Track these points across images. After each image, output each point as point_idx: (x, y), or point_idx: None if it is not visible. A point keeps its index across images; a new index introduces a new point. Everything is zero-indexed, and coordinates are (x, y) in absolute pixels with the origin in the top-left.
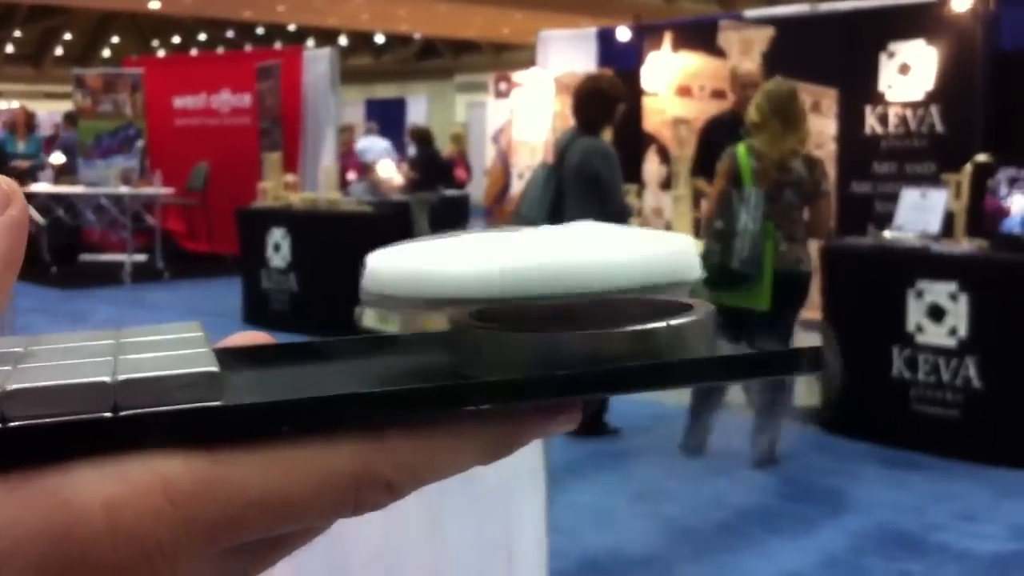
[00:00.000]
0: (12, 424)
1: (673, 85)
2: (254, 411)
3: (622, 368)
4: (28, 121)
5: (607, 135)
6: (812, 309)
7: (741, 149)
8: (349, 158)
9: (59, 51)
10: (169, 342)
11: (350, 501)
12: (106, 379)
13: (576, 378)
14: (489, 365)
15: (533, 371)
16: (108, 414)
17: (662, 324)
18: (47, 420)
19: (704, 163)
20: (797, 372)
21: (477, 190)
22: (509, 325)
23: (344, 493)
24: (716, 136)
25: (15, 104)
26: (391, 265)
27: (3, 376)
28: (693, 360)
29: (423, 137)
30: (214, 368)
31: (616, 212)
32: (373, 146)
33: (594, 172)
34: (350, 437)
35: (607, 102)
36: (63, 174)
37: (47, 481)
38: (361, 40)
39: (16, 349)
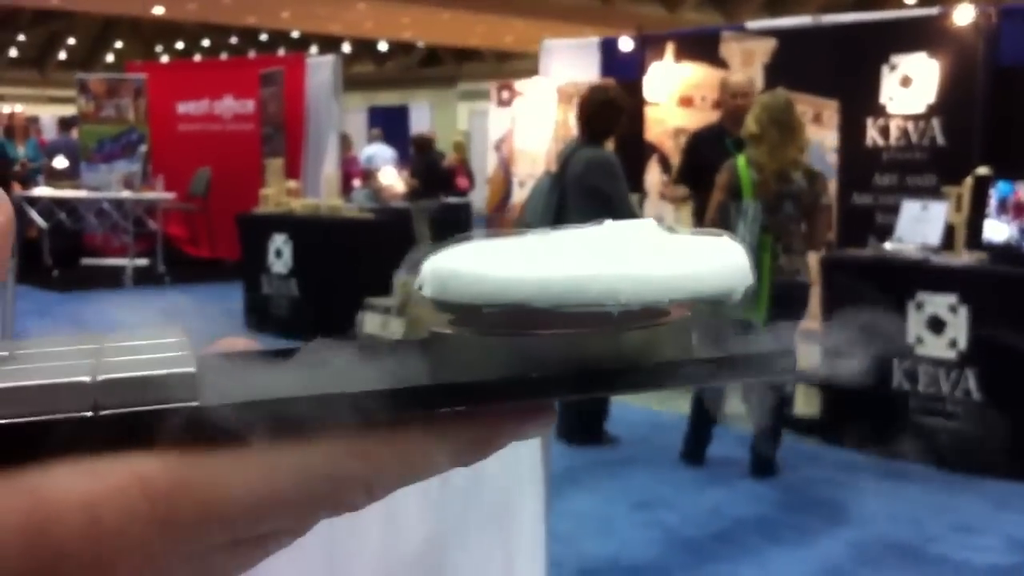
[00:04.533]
0: None
1: (675, 95)
2: (230, 411)
3: (594, 371)
4: (26, 125)
5: (609, 145)
6: (812, 320)
7: (741, 161)
8: (351, 165)
9: (63, 55)
10: (150, 346)
11: (328, 501)
12: (86, 379)
13: (547, 380)
14: (465, 368)
15: (506, 373)
16: (88, 413)
17: (636, 328)
18: (27, 419)
19: (687, 175)
20: (770, 375)
21: (479, 198)
22: (484, 329)
23: (321, 493)
24: (702, 148)
25: (19, 108)
26: (449, 268)
27: None
28: (665, 363)
29: (424, 145)
30: (191, 369)
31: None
32: (380, 153)
33: (594, 184)
34: (326, 438)
35: (615, 113)
36: (63, 178)
37: (27, 479)
38: (364, 47)
39: (1, 353)
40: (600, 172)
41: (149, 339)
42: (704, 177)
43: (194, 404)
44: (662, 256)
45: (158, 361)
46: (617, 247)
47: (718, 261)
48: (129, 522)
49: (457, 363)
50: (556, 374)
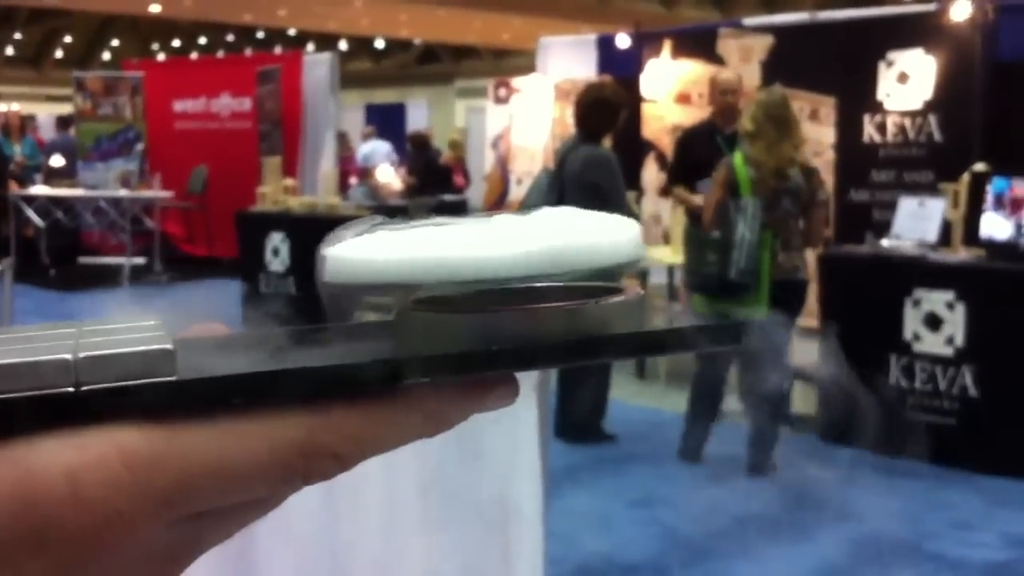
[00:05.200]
0: None
1: (672, 92)
2: (205, 384)
3: (551, 343)
4: (22, 124)
5: (607, 142)
6: (810, 317)
7: (738, 159)
8: (348, 163)
9: (59, 54)
10: (127, 328)
11: (299, 470)
12: (67, 356)
13: (506, 352)
14: (428, 345)
15: (466, 348)
16: (70, 389)
17: (589, 302)
18: (12, 395)
19: (681, 173)
20: (718, 345)
21: (476, 195)
22: (446, 308)
23: (292, 462)
24: (693, 145)
25: (15, 106)
26: (338, 255)
27: None
28: (617, 335)
29: (422, 142)
30: (168, 345)
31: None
32: (377, 150)
33: (593, 181)
34: (296, 410)
35: (611, 110)
36: (60, 177)
37: (13, 452)
38: (361, 45)
39: None
40: (598, 169)
41: (125, 323)
42: (697, 174)
43: (172, 379)
44: (554, 234)
45: (136, 340)
46: (521, 227)
47: (606, 236)
48: (111, 491)
49: (421, 339)
50: (515, 347)
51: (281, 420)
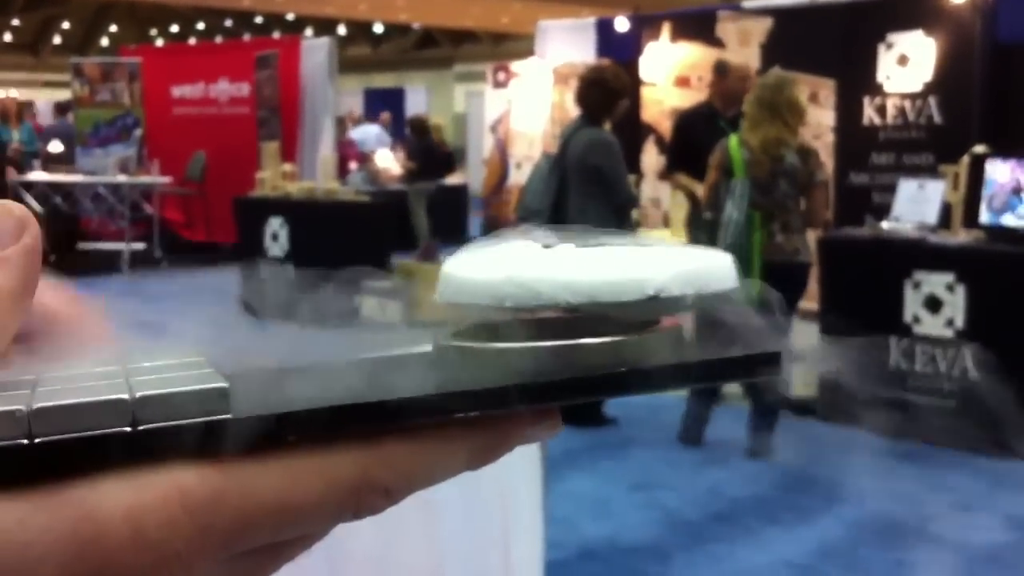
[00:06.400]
0: (39, 440)
1: (671, 76)
2: (261, 422)
3: (594, 376)
4: (20, 110)
5: (607, 126)
6: (809, 299)
7: (733, 141)
8: (347, 148)
9: (57, 40)
10: (176, 365)
11: (351, 506)
12: (125, 396)
13: (551, 385)
14: (474, 377)
15: (513, 381)
16: (128, 428)
17: (631, 336)
18: (72, 436)
19: (679, 157)
20: (759, 376)
21: (475, 180)
22: (488, 339)
23: (346, 498)
24: (691, 128)
25: (13, 92)
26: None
27: (25, 397)
28: (659, 367)
29: (421, 127)
30: (224, 384)
31: (622, 203)
32: (367, 134)
33: (595, 164)
34: (350, 445)
35: (607, 93)
36: (59, 162)
37: (73, 493)
38: (359, 30)
39: (29, 377)
40: (600, 153)
41: (171, 358)
42: (697, 157)
43: (227, 416)
44: (635, 262)
45: (189, 378)
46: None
47: (693, 264)
48: (170, 533)
49: (466, 371)
50: (562, 380)
51: (336, 456)
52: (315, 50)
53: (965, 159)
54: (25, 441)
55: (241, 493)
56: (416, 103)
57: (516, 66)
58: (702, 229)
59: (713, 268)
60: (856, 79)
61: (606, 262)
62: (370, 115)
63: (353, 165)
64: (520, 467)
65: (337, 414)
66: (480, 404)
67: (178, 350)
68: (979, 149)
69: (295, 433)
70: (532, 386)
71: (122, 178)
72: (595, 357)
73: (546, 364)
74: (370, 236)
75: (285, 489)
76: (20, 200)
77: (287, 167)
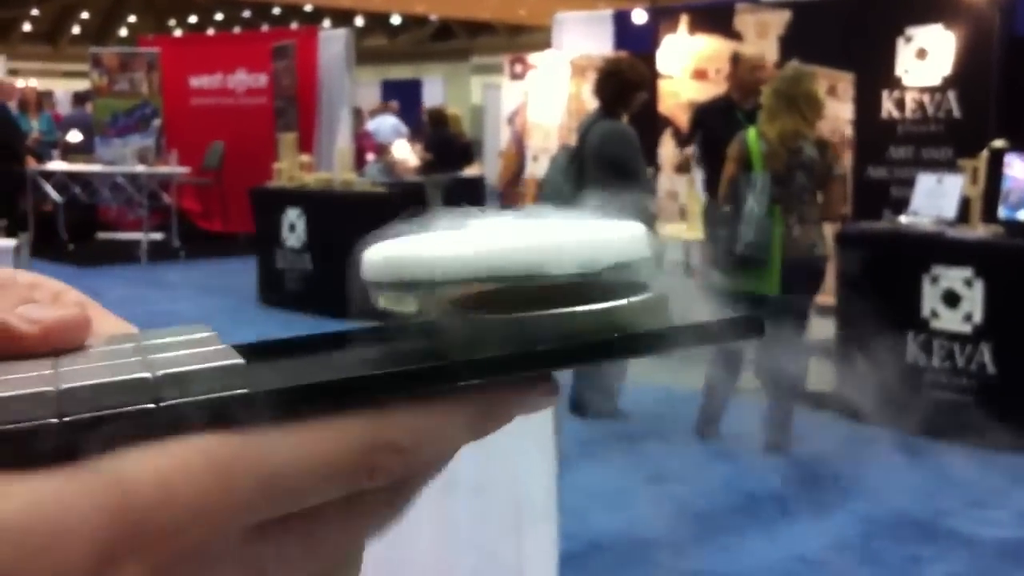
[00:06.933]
0: (69, 418)
1: (689, 68)
2: (277, 395)
3: (588, 342)
4: (39, 100)
5: (624, 118)
6: (826, 294)
7: (751, 134)
8: (364, 139)
9: (76, 30)
10: (189, 341)
11: (366, 464)
12: (147, 375)
13: (552, 352)
14: (476, 347)
15: (513, 349)
16: (152, 405)
17: (623, 302)
18: (101, 413)
19: (698, 147)
20: (742, 338)
21: (492, 172)
22: (489, 310)
23: (360, 457)
24: (709, 120)
25: (32, 82)
26: (372, 255)
27: (50, 378)
28: (646, 333)
29: (439, 118)
30: (240, 360)
31: (640, 194)
32: (382, 125)
33: (612, 156)
34: (360, 409)
35: (624, 85)
36: (77, 152)
37: (102, 464)
38: (377, 21)
39: (48, 359)
40: (617, 144)
41: (183, 335)
42: (715, 149)
43: (245, 391)
44: (559, 232)
45: (207, 355)
46: (524, 227)
47: (614, 233)
48: (197, 492)
49: (468, 340)
50: (556, 348)
51: (347, 418)
52: (332, 41)
53: (984, 153)
54: (55, 420)
55: (259, 454)
56: (433, 95)
57: (533, 58)
58: (719, 222)
59: (622, 237)
60: (875, 72)
61: (531, 234)
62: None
63: (370, 156)
64: (534, 458)
65: (347, 386)
66: (481, 372)
67: (192, 328)
68: (998, 143)
69: (306, 404)
70: (530, 354)
71: (140, 168)
72: (591, 323)
73: (543, 332)
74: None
75: (301, 448)
76: (38, 190)
77: (304, 158)
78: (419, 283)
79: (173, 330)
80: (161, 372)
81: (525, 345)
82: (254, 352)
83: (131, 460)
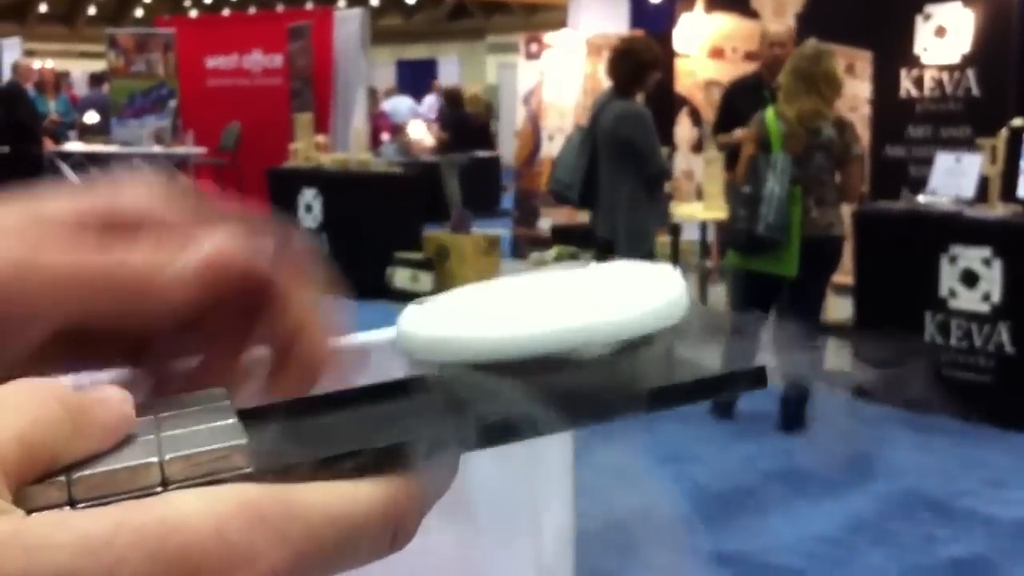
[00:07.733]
0: (80, 506)
1: (705, 47)
2: (282, 471)
3: (595, 403)
4: (56, 81)
5: (639, 98)
6: (845, 274)
7: (769, 114)
8: (380, 119)
9: (92, 11)
10: (200, 413)
11: (389, 532)
12: (154, 459)
13: (558, 416)
14: (475, 407)
15: (518, 411)
16: (159, 489)
17: (624, 359)
18: (109, 499)
19: (725, 125)
20: (744, 390)
21: (507, 152)
22: (496, 371)
23: (389, 516)
24: (738, 99)
25: (49, 63)
26: (412, 328)
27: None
28: (649, 389)
29: (455, 98)
30: (243, 441)
31: (654, 175)
32: (398, 106)
33: (626, 136)
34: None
35: (638, 64)
36: (94, 133)
37: (152, 510)
38: (392, 0)
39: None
40: (631, 124)
41: (196, 406)
42: (738, 127)
43: (249, 470)
44: (589, 307)
45: (213, 433)
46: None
47: (655, 298)
48: (252, 536)
49: (476, 404)
50: (561, 409)
51: (376, 480)
52: (348, 21)
53: (1003, 132)
54: (69, 507)
55: (307, 504)
56: (448, 74)
57: (549, 37)
58: (740, 202)
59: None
60: (893, 51)
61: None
62: (402, 87)
63: (385, 136)
64: (551, 438)
65: (356, 457)
66: (493, 440)
67: (206, 395)
68: (1017, 122)
69: (311, 479)
70: (538, 418)
71: (157, 149)
72: (595, 381)
73: (548, 393)
74: (402, 207)
75: (346, 501)
76: (56, 171)
77: (320, 138)
78: (454, 363)
79: (191, 399)
80: (168, 456)
81: (533, 408)
82: (258, 415)
83: (180, 505)
